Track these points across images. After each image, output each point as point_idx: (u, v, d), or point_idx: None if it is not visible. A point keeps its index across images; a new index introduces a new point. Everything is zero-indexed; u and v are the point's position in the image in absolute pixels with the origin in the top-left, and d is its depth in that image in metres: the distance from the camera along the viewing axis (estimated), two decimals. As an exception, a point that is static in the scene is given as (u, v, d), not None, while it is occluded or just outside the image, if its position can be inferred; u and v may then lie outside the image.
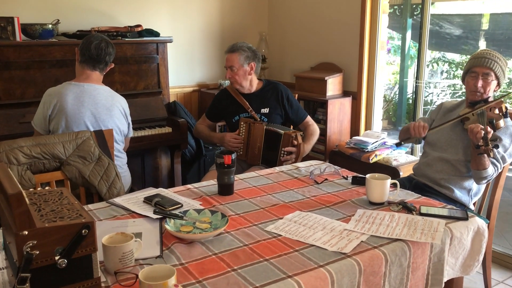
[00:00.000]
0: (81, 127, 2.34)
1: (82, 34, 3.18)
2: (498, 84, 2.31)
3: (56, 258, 1.07)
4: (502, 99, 2.25)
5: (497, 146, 2.09)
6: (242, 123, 2.77)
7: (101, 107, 2.40)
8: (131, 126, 2.61)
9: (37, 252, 1.04)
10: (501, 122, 2.19)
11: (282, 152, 2.68)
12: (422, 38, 3.40)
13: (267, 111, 2.83)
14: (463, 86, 2.40)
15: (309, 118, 2.94)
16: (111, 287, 1.24)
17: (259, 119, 2.79)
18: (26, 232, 1.03)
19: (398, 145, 2.53)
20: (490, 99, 2.30)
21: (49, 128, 2.37)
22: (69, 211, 1.16)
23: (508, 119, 2.27)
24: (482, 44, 5.34)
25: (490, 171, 2.19)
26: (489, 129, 2.09)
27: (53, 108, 2.33)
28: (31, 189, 1.31)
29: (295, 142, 2.67)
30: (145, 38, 3.41)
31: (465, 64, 2.44)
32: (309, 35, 4.08)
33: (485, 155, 2.07)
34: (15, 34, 2.93)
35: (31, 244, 1.04)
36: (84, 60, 2.41)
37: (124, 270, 1.28)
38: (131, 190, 2.56)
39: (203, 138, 3.07)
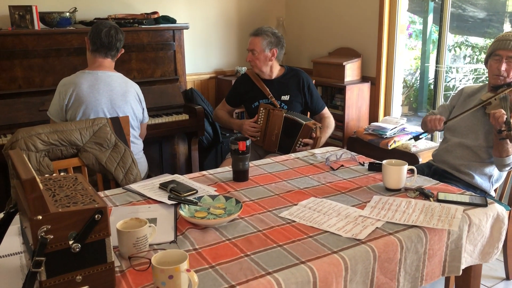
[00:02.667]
0: (98, 114, 2.35)
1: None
2: None
3: (70, 242, 1.08)
4: None
5: None
6: (261, 109, 2.74)
7: (116, 94, 2.40)
8: (146, 111, 2.61)
9: (51, 237, 1.06)
10: None
11: (299, 142, 2.66)
12: (443, 22, 3.32)
13: (288, 98, 2.80)
14: (486, 71, 2.33)
15: (326, 110, 2.91)
16: (125, 272, 1.25)
17: (279, 106, 2.77)
18: (40, 217, 1.05)
19: (416, 139, 2.45)
20: None
21: (66, 117, 2.38)
22: (82, 196, 1.17)
23: None
24: (507, 27, 5.20)
25: None
26: None
27: (69, 97, 2.33)
28: (46, 175, 1.33)
29: (314, 135, 2.64)
30: (161, 25, 3.41)
31: (488, 47, 2.37)
32: (326, 20, 4.02)
33: (508, 140, 2.02)
34: (34, 23, 2.97)
35: (45, 229, 1.05)
36: (95, 48, 2.39)
37: (138, 255, 1.29)
38: (148, 176, 2.58)
39: (223, 123, 3.04)
